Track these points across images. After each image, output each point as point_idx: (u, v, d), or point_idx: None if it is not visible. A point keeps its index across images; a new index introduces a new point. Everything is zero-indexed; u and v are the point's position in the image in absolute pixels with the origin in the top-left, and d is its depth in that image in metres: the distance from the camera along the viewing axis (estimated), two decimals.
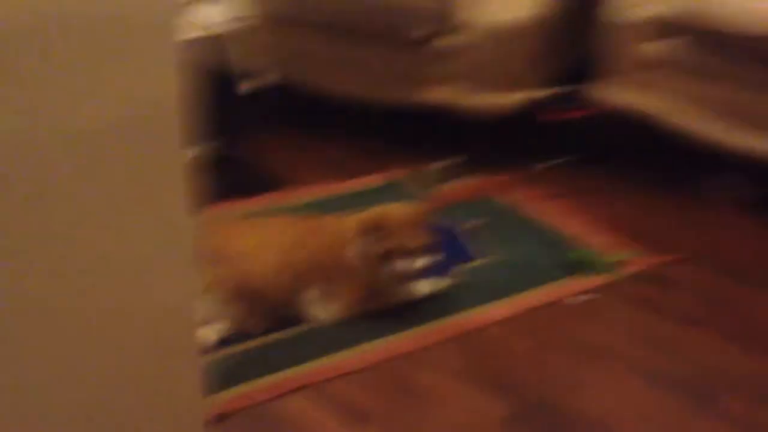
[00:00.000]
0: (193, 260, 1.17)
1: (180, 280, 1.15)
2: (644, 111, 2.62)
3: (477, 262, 2.26)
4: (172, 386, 1.17)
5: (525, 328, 1.98)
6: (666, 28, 2.52)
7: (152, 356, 1.14)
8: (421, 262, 2.09)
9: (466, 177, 2.72)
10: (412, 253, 1.93)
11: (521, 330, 1.97)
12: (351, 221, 2.02)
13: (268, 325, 1.94)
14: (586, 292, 2.11)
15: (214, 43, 2.76)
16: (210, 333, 1.87)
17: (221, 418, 1.65)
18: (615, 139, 2.84)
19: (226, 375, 1.77)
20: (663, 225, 2.46)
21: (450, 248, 2.31)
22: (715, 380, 1.79)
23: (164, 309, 1.14)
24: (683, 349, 1.90)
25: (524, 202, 2.56)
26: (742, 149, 2.43)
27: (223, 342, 1.87)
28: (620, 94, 2.66)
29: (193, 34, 2.66)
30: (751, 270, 2.22)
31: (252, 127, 2.97)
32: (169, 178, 1.10)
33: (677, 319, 2.01)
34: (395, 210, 1.99)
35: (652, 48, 2.56)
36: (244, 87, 2.77)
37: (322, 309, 1.96)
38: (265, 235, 1.97)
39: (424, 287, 2.08)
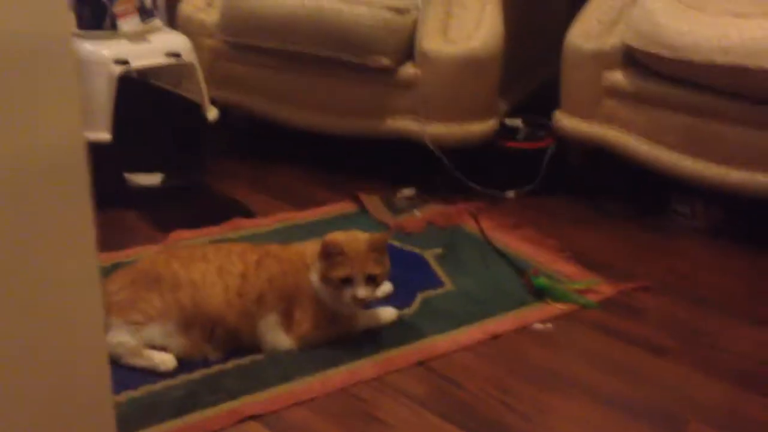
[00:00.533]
0: (99, 305, 1.08)
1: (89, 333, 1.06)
2: (606, 140, 2.64)
3: (443, 289, 2.23)
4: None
5: (489, 354, 1.95)
6: (625, 57, 2.55)
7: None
8: (383, 289, 2.07)
9: (433, 205, 2.71)
10: (373, 279, 1.90)
11: (485, 357, 1.94)
12: (311, 246, 1.99)
13: (225, 352, 1.89)
14: (551, 319, 2.09)
15: (178, 71, 2.75)
16: (166, 359, 1.83)
17: None
18: (580, 167, 2.84)
19: (182, 402, 1.72)
20: (628, 253, 2.45)
21: (416, 275, 2.29)
22: (680, 408, 1.77)
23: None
24: (648, 377, 1.88)
25: (491, 230, 2.55)
26: (701, 177, 2.44)
27: (180, 369, 1.82)
28: (582, 123, 2.67)
29: (158, 61, 2.65)
30: (716, 297, 2.21)
31: (215, 155, 2.94)
32: (72, 226, 1.01)
33: (642, 347, 1.99)
34: (356, 236, 1.96)
35: (613, 77, 2.58)
36: (209, 115, 2.75)
37: (280, 336, 1.92)
38: (223, 261, 1.93)
39: (387, 314, 2.05)
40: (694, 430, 1.70)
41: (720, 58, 2.28)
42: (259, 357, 1.90)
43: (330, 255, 1.88)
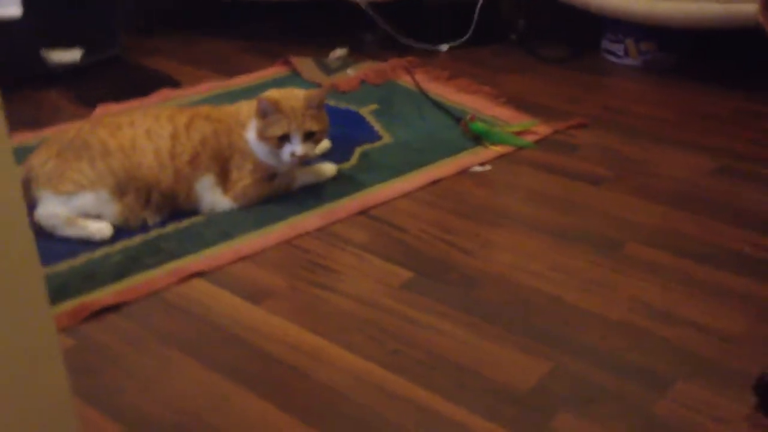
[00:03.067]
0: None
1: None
2: None
3: (380, 142, 2.21)
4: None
5: (430, 199, 1.96)
6: None
7: None
8: (320, 146, 2.04)
9: (366, 63, 2.66)
10: (312, 135, 1.87)
11: (426, 202, 1.95)
12: (245, 106, 1.94)
13: (163, 217, 1.86)
14: (489, 162, 2.10)
15: None
16: (102, 227, 1.79)
17: (120, 306, 1.59)
18: (512, 15, 2.80)
19: (123, 266, 1.70)
20: (563, 94, 2.45)
21: (353, 130, 2.27)
22: (617, 230, 1.81)
23: None
24: (585, 206, 1.91)
25: (426, 83, 2.52)
26: (629, 11, 2.43)
27: (118, 236, 1.79)
28: None
29: None
30: (647, 127, 2.24)
31: (138, 29, 2.83)
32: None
33: (579, 180, 2.01)
34: (293, 93, 1.91)
35: None
36: None
37: (217, 196, 1.89)
38: (152, 125, 1.87)
39: (326, 170, 2.03)
40: (630, 250, 1.74)
41: None
42: (198, 219, 1.87)
43: (267, 113, 1.84)
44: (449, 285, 1.65)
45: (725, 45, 2.53)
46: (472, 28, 2.75)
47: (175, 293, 1.64)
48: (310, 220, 1.87)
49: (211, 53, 2.82)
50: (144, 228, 1.83)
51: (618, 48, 2.62)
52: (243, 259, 1.74)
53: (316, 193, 1.97)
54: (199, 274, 1.69)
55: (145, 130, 1.86)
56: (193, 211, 1.89)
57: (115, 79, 2.58)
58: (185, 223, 1.86)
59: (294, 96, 1.89)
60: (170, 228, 1.84)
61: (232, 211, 1.90)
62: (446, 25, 2.78)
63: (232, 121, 1.92)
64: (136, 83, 2.53)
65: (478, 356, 1.44)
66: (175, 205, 1.87)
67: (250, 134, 1.89)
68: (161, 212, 1.86)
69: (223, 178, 1.90)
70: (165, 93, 2.47)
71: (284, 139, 1.85)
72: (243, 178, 1.90)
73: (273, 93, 1.90)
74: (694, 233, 1.78)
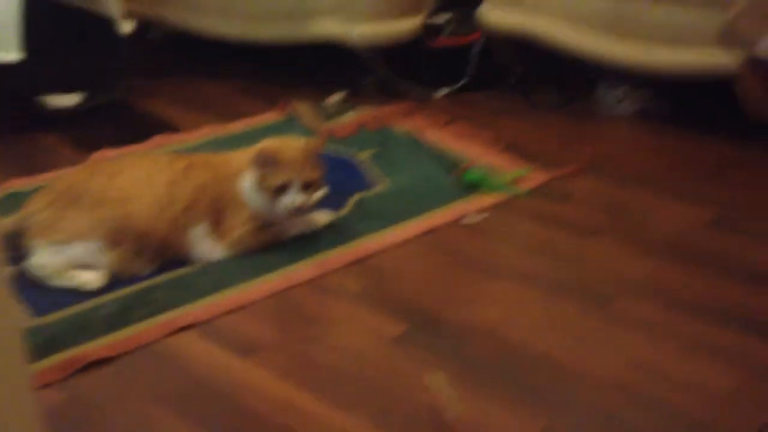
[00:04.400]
0: None
1: None
2: (532, 29, 2.61)
3: (375, 190, 2.22)
4: None
5: (423, 249, 1.96)
6: None
7: None
8: (317, 195, 2.05)
9: (364, 108, 2.68)
10: (309, 186, 1.88)
11: (419, 251, 1.95)
12: (241, 155, 1.95)
13: (156, 266, 1.86)
14: (483, 210, 2.10)
15: None
16: (93, 278, 1.79)
17: (108, 361, 1.59)
18: (508, 61, 2.82)
19: (114, 318, 1.70)
20: (558, 141, 2.47)
21: (349, 177, 2.27)
22: (608, 284, 1.80)
23: None
24: (577, 257, 1.91)
25: (421, 129, 2.53)
26: (626, 59, 2.45)
27: (110, 286, 1.80)
28: (508, 15, 2.64)
29: None
30: (641, 175, 2.24)
31: (136, 72, 2.85)
32: None
33: (571, 229, 2.01)
34: (291, 143, 1.92)
35: None
36: (123, 29, 2.65)
37: (211, 245, 1.89)
38: (150, 171, 1.88)
39: (321, 218, 2.04)
40: (621, 304, 1.73)
41: None
42: (190, 269, 1.87)
43: (265, 163, 1.85)
44: (441, 339, 1.64)
45: (721, 93, 2.54)
46: (469, 74, 2.77)
47: (165, 346, 1.64)
48: (303, 270, 1.87)
49: (211, 96, 2.84)
50: (136, 278, 1.83)
51: (613, 95, 2.64)
52: (235, 310, 1.74)
53: (310, 242, 1.97)
54: (190, 326, 1.69)
55: (141, 178, 1.87)
56: (186, 261, 1.89)
57: (114, 123, 2.60)
58: (178, 272, 1.86)
59: (292, 146, 1.90)
60: (162, 278, 1.84)
61: (225, 260, 1.90)
62: (444, 71, 2.80)
63: (228, 170, 1.94)
64: (135, 128, 2.55)
65: (469, 415, 1.43)
66: (169, 254, 1.87)
67: (245, 183, 1.90)
68: (155, 261, 1.86)
69: (217, 227, 1.91)
70: (163, 138, 2.49)
71: (282, 189, 1.86)
72: (238, 227, 1.91)
73: (271, 143, 1.92)
74: (686, 287, 1.78)
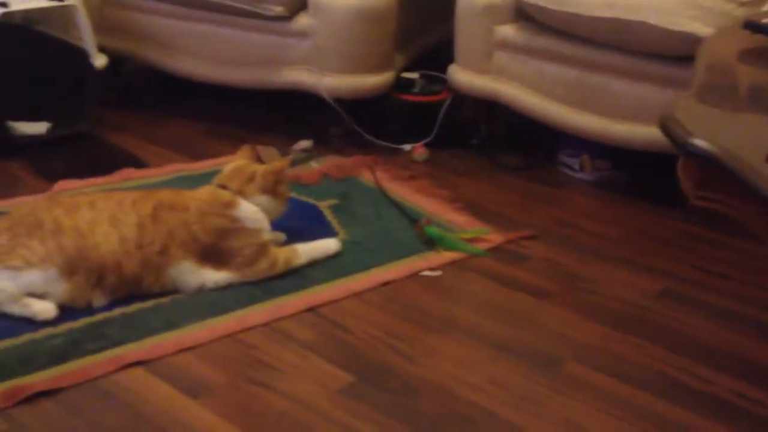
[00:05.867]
0: None
1: None
2: (498, 93, 2.69)
3: (336, 239, 2.24)
4: None
5: (378, 301, 1.98)
6: (516, 11, 2.60)
7: None
8: (276, 236, 2.09)
9: (330, 157, 2.71)
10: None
11: (375, 303, 1.97)
12: (212, 190, 2.02)
13: (112, 300, 1.85)
14: (440, 267, 2.13)
15: (65, 16, 2.65)
16: (46, 308, 1.78)
17: (53, 393, 1.57)
18: (474, 120, 2.89)
19: (64, 350, 1.69)
20: (517, 203, 2.52)
21: (309, 225, 2.29)
22: (558, 348, 1.84)
23: None
24: (529, 320, 1.94)
25: (386, 182, 2.57)
26: (586, 129, 2.52)
27: (63, 317, 1.78)
28: (476, 77, 2.71)
29: (39, 4, 2.55)
30: (595, 244, 2.29)
31: (106, 105, 2.86)
32: None
33: (525, 292, 2.05)
34: (281, 162, 2.14)
35: (504, 31, 2.62)
36: (96, 63, 2.67)
37: (208, 275, 1.94)
38: (115, 211, 1.88)
39: (331, 245, 2.14)
40: (569, 369, 1.76)
41: (604, 12, 2.34)
42: (145, 305, 1.87)
43: (278, 181, 2.08)
44: (389, 393, 1.66)
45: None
46: (435, 131, 2.83)
47: (112, 381, 1.63)
48: (256, 314, 1.88)
49: (178, 134, 2.85)
50: (90, 310, 1.83)
51: (574, 162, 2.71)
52: (185, 350, 1.74)
53: (265, 287, 1.98)
54: (139, 363, 1.68)
55: (108, 216, 1.87)
56: (150, 295, 1.89)
57: (79, 154, 2.60)
58: (132, 308, 1.86)
59: (283, 165, 2.14)
60: (116, 312, 1.84)
61: (179, 298, 1.90)
62: (411, 127, 2.86)
63: (206, 207, 1.95)
64: (100, 160, 2.55)
65: None
66: (138, 290, 1.87)
67: (251, 207, 2.01)
68: (115, 294, 1.85)
69: (216, 257, 1.94)
70: (128, 173, 2.49)
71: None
72: (244, 248, 1.96)
73: (274, 163, 2.15)
74: (634, 357, 1.81)
